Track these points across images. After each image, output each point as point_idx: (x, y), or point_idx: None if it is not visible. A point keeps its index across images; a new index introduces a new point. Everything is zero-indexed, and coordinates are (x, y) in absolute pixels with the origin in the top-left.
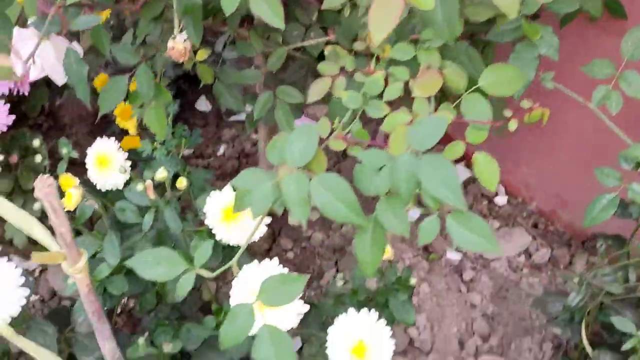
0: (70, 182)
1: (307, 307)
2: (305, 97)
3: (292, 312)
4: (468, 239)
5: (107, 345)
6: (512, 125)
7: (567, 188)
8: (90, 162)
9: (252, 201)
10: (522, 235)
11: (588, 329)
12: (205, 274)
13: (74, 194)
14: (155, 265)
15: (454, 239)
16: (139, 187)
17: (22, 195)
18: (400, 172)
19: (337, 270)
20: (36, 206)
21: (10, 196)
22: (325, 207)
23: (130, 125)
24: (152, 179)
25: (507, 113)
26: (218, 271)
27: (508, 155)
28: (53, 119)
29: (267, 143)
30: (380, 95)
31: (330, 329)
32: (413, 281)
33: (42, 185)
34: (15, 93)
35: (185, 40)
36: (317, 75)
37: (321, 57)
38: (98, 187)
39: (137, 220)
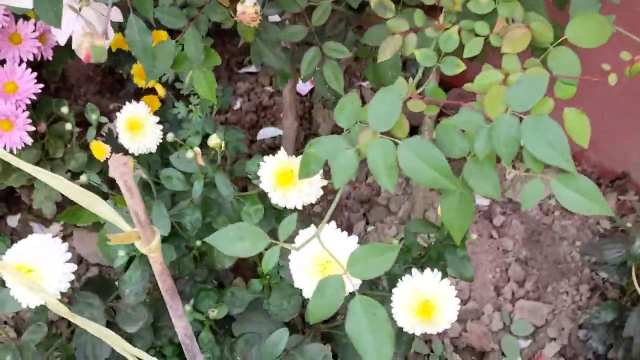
0: (101, 148)
1: None
2: None
3: None
4: (575, 201)
5: (179, 322)
6: (612, 79)
7: (597, 128)
8: (120, 127)
9: (334, 170)
10: None
11: (638, 273)
12: (291, 247)
13: None
14: (237, 240)
15: (560, 201)
16: (189, 154)
17: (49, 163)
18: (500, 134)
19: (367, 223)
20: (83, 178)
21: (37, 164)
22: (414, 172)
23: (157, 86)
24: (204, 145)
25: (606, 66)
26: (302, 244)
27: None
28: (61, 79)
29: (291, 97)
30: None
31: (395, 290)
32: (474, 236)
33: (117, 164)
34: (39, 58)
35: (255, 4)
36: (356, 28)
37: (360, 9)
38: (130, 152)
39: (184, 188)
